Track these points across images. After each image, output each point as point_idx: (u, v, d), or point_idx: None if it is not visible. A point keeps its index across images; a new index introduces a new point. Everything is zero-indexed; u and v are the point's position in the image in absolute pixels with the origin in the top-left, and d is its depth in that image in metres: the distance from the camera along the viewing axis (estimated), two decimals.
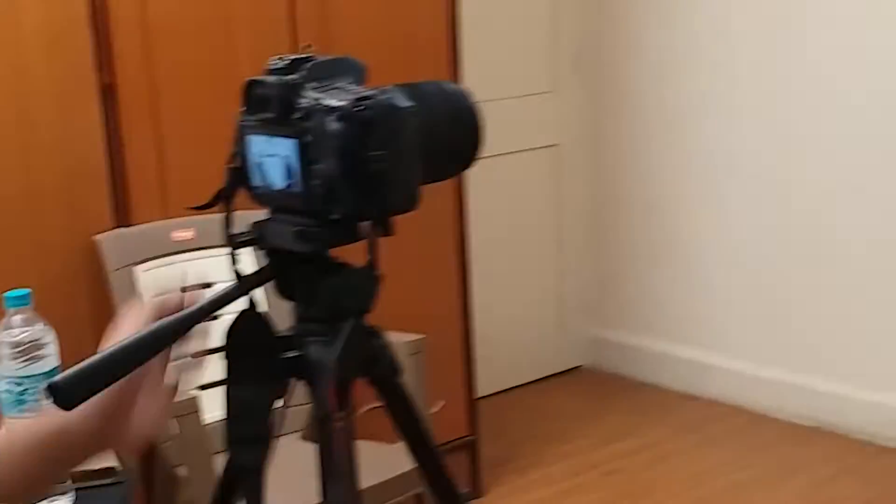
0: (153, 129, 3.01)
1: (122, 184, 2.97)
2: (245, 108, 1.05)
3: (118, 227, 2.96)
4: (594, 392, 4.48)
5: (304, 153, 1.00)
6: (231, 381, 1.06)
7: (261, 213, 1.08)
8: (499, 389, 4.37)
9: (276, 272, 1.07)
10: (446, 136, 1.08)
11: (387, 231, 1.01)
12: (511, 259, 4.43)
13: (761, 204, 4.08)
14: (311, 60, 1.03)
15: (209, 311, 1.00)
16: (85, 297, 2.87)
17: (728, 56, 4.09)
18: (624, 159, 4.49)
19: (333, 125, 0.99)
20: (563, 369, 4.67)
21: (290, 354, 1.07)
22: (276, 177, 1.03)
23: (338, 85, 1.02)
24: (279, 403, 1.07)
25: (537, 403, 4.38)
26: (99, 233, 2.91)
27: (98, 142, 2.90)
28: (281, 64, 1.03)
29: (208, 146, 3.14)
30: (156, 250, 3.01)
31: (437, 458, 1.16)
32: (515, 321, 4.49)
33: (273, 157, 1.03)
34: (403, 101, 1.01)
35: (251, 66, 3.05)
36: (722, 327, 4.27)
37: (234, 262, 1.05)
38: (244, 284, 1.05)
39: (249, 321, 1.06)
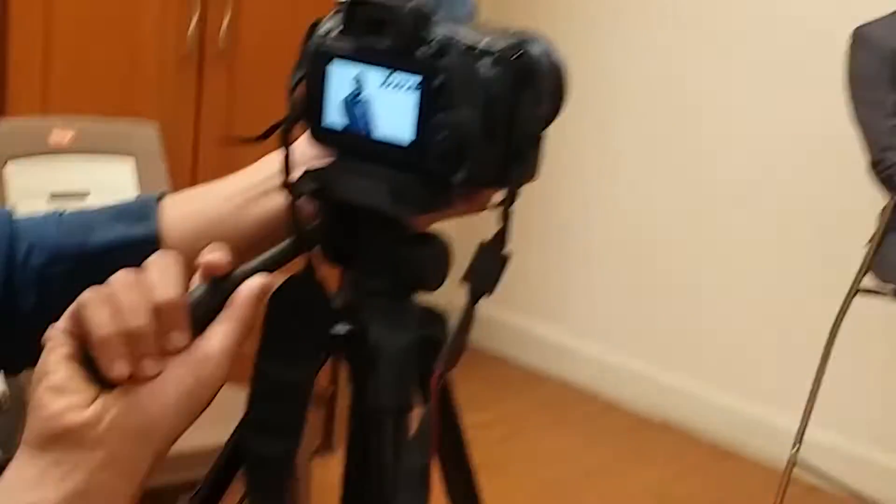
0: (43, 19, 2.73)
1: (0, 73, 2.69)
2: (343, 29, 0.84)
3: None
4: None
5: (431, 97, 0.81)
6: (265, 356, 0.85)
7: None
8: None
9: (335, 231, 0.88)
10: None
11: (510, 203, 0.83)
12: None
13: (648, 192, 4.01)
14: None
15: (262, 272, 0.82)
16: None
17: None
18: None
19: (486, 70, 0.81)
20: None
21: (341, 331, 0.88)
22: (374, 118, 0.84)
23: (464, 23, 0.84)
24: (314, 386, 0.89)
25: None
26: None
27: None
28: None
29: (101, 47, 2.90)
30: (29, 148, 2.73)
31: (471, 477, 0.97)
32: None
33: (376, 94, 0.83)
34: (551, 55, 0.84)
35: None
36: (584, 310, 4.19)
37: (294, 215, 0.86)
38: (301, 241, 0.86)
39: (301, 286, 0.86)
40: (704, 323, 3.91)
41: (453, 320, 0.88)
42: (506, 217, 0.84)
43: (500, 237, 0.85)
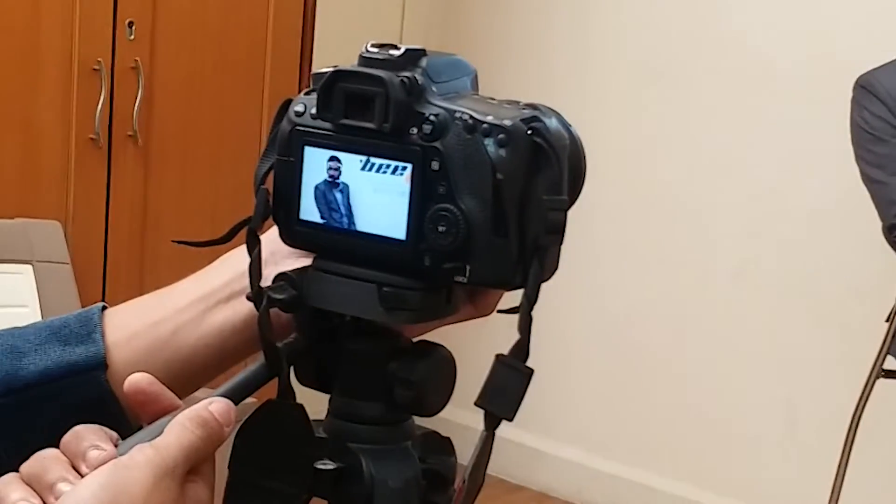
0: None
1: None
2: (321, 107, 0.78)
3: None
4: None
5: (426, 184, 0.76)
6: (235, 501, 0.78)
7: None
8: None
9: (314, 348, 0.82)
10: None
11: (531, 308, 0.76)
12: None
13: (631, 281, 3.95)
14: (425, 55, 0.79)
15: (234, 400, 0.77)
16: None
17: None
18: None
19: (493, 151, 0.75)
20: None
21: (325, 466, 0.80)
22: (359, 211, 0.79)
23: (465, 94, 0.79)
24: None
25: None
26: None
27: None
28: (387, 54, 0.77)
29: None
30: None
31: None
32: None
33: (361, 182, 0.78)
34: (566, 129, 0.78)
35: (61, 39, 2.80)
36: (562, 413, 4.10)
37: (265, 329, 0.78)
38: (274, 362, 0.79)
39: (275, 415, 0.79)
40: (700, 421, 3.81)
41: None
42: (527, 324, 0.76)
43: (521, 349, 0.77)
